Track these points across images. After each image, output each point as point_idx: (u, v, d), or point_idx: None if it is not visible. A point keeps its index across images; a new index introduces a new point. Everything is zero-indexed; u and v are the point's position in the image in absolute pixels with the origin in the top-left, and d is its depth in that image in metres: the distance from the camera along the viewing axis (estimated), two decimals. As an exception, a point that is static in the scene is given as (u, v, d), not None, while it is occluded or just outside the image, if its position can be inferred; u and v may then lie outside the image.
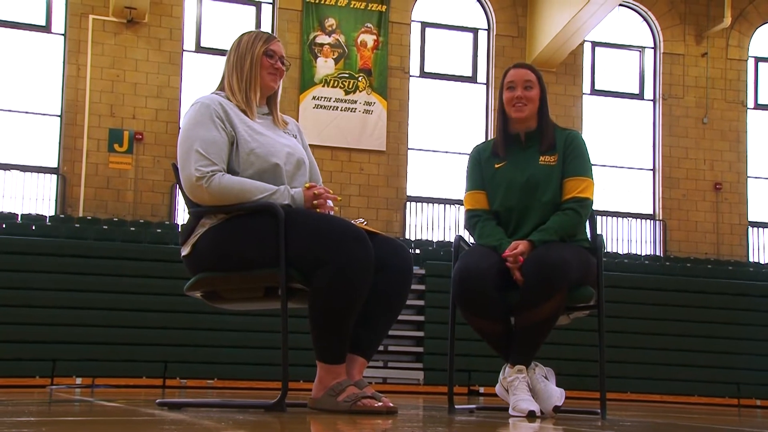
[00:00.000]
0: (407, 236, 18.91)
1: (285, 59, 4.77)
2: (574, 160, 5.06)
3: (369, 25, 18.99)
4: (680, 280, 17.87)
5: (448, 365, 5.21)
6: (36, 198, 17.47)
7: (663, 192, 20.40)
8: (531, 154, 5.10)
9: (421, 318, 16.36)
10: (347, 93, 18.76)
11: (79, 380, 14.27)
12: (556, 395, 4.79)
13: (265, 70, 4.65)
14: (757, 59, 21.30)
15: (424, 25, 19.82)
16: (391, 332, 4.67)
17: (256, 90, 4.63)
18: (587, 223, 5.19)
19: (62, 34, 17.82)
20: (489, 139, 5.50)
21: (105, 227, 16.28)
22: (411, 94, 19.46)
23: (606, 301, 5.05)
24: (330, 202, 4.47)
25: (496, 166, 5.16)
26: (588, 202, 5.02)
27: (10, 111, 17.70)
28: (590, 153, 5.16)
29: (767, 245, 20.90)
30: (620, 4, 19.23)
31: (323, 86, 18.67)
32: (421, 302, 16.36)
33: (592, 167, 5.14)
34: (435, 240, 18.85)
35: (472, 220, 5.17)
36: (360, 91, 18.82)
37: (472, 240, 5.30)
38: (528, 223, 5.01)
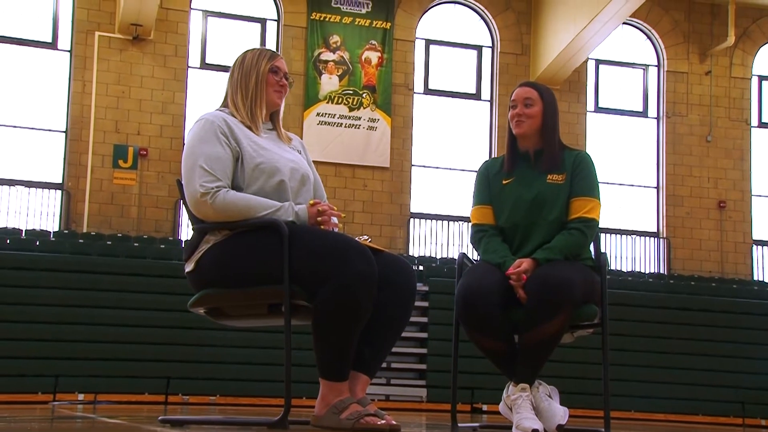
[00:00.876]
0: (411, 253, 18.91)
1: (288, 75, 4.78)
2: (582, 180, 5.06)
3: (373, 42, 19.07)
4: (684, 298, 17.89)
5: (452, 382, 5.20)
6: (40, 213, 17.47)
7: (667, 210, 20.44)
8: (539, 173, 5.11)
9: (425, 335, 16.35)
10: (351, 109, 18.80)
11: (81, 396, 14.29)
12: (560, 414, 4.75)
13: (270, 87, 4.66)
14: (761, 78, 21.38)
15: (429, 42, 19.89)
16: (394, 349, 4.65)
17: (261, 106, 4.64)
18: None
19: (68, 51, 17.91)
20: (496, 155, 5.46)
21: (109, 243, 16.31)
22: (415, 110, 19.50)
23: (610, 319, 5.03)
24: (334, 219, 4.46)
25: (504, 182, 5.16)
26: (594, 222, 5.00)
27: (15, 127, 17.75)
28: (602, 174, 5.13)
29: (772, 263, 21.07)
30: (624, 22, 19.28)
31: (327, 103, 18.73)
32: (424, 319, 16.37)
33: (600, 188, 5.14)
34: (438, 257, 18.90)
35: (478, 235, 5.16)
36: (364, 108, 18.88)
37: (476, 255, 5.29)
38: (533, 240, 4.99)
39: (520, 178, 5.13)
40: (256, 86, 4.62)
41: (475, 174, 5.35)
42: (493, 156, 18.75)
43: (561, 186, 5.05)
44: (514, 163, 5.18)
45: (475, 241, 5.18)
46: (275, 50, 4.70)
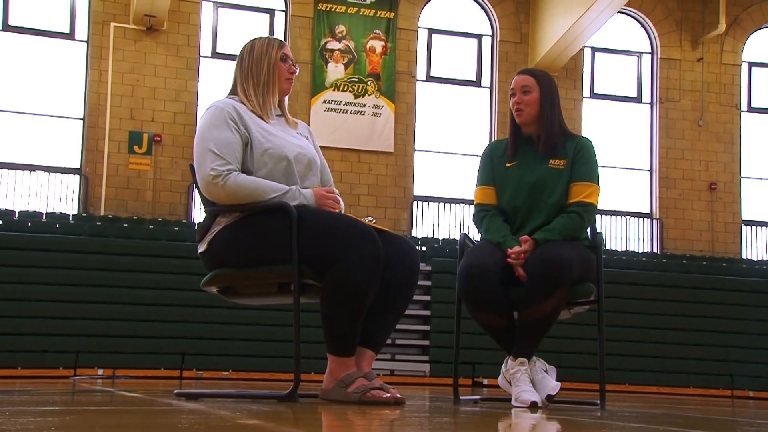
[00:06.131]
0: (414, 234, 19.02)
1: (294, 62, 4.83)
2: (582, 166, 5.09)
3: (377, 31, 19.19)
4: (676, 277, 18.14)
5: (454, 358, 5.36)
6: (60, 197, 17.69)
7: (660, 192, 20.59)
8: (542, 157, 5.14)
9: (428, 313, 16.52)
10: (357, 96, 18.95)
11: (100, 371, 14.53)
12: (551, 386, 4.85)
13: (281, 75, 4.70)
14: (751, 64, 21.47)
15: (431, 31, 20.00)
16: (398, 326, 4.75)
17: (273, 94, 4.68)
18: (587, 222, 5.23)
19: (85, 41, 18.10)
20: (502, 138, 5.45)
21: (125, 225, 16.49)
22: (418, 97, 19.60)
23: (605, 297, 5.10)
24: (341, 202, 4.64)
25: (508, 165, 5.19)
26: (592, 207, 5.05)
27: (35, 114, 17.96)
28: (600, 158, 5.24)
29: (760, 243, 21.12)
30: (619, 11, 19.35)
31: (334, 90, 18.86)
32: (427, 297, 16.54)
33: (600, 174, 5.19)
34: (441, 238, 19.01)
35: (480, 215, 5.19)
36: (369, 95, 19.02)
37: (477, 234, 5.33)
38: (532, 222, 5.06)
39: (524, 161, 5.17)
40: (268, 74, 4.65)
41: (480, 155, 5.46)
42: (494, 139, 18.98)
43: (562, 171, 5.08)
44: (516, 148, 5.22)
45: (478, 221, 5.22)
46: (282, 39, 4.80)
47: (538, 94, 5.18)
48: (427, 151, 19.85)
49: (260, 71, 4.66)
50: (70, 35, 18.24)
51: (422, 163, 19.75)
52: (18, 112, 18.00)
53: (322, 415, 3.64)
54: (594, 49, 20.76)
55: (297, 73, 4.83)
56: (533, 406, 4.69)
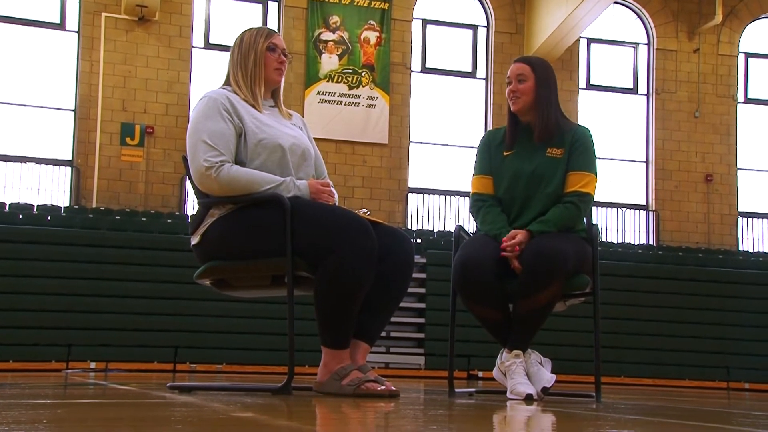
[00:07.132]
0: (409, 226, 19.06)
1: (286, 51, 4.80)
2: (580, 155, 5.05)
3: (372, 22, 19.17)
4: (672, 269, 18.19)
5: (449, 351, 5.29)
6: (51, 189, 17.69)
7: (656, 183, 20.64)
8: (539, 146, 5.10)
9: (422, 305, 16.59)
10: (351, 88, 18.94)
11: (93, 365, 14.53)
12: (546, 378, 4.84)
13: (269, 65, 4.68)
14: (747, 55, 21.54)
15: (425, 22, 20.00)
16: (393, 319, 4.75)
17: (260, 84, 4.66)
18: (583, 214, 5.22)
19: (76, 32, 18.06)
20: (501, 126, 5.41)
21: (117, 218, 16.52)
22: (412, 88, 19.62)
23: (601, 289, 5.11)
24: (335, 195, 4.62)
25: (505, 153, 5.17)
26: (588, 197, 5.01)
27: (26, 105, 17.93)
28: (597, 150, 5.19)
29: (756, 234, 21.16)
30: (615, 2, 19.32)
31: (328, 81, 18.84)
32: (422, 290, 16.61)
33: (597, 164, 5.15)
34: (436, 230, 19.04)
35: (477, 205, 5.18)
36: (363, 86, 19.02)
37: (473, 224, 5.35)
38: (529, 212, 5.03)
39: (521, 150, 5.14)
40: (255, 65, 4.64)
41: (475, 146, 5.39)
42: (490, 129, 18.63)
43: (559, 160, 5.05)
44: (514, 137, 5.18)
45: (474, 210, 5.21)
46: (275, 29, 4.75)
47: (534, 82, 5.12)
48: (421, 143, 19.87)
49: (247, 62, 4.66)
50: (60, 25, 18.22)
51: (417, 154, 19.78)
52: (9, 104, 17.97)
53: (316, 407, 3.63)
54: (590, 40, 20.81)
55: (288, 63, 4.81)
56: (528, 399, 4.69)
